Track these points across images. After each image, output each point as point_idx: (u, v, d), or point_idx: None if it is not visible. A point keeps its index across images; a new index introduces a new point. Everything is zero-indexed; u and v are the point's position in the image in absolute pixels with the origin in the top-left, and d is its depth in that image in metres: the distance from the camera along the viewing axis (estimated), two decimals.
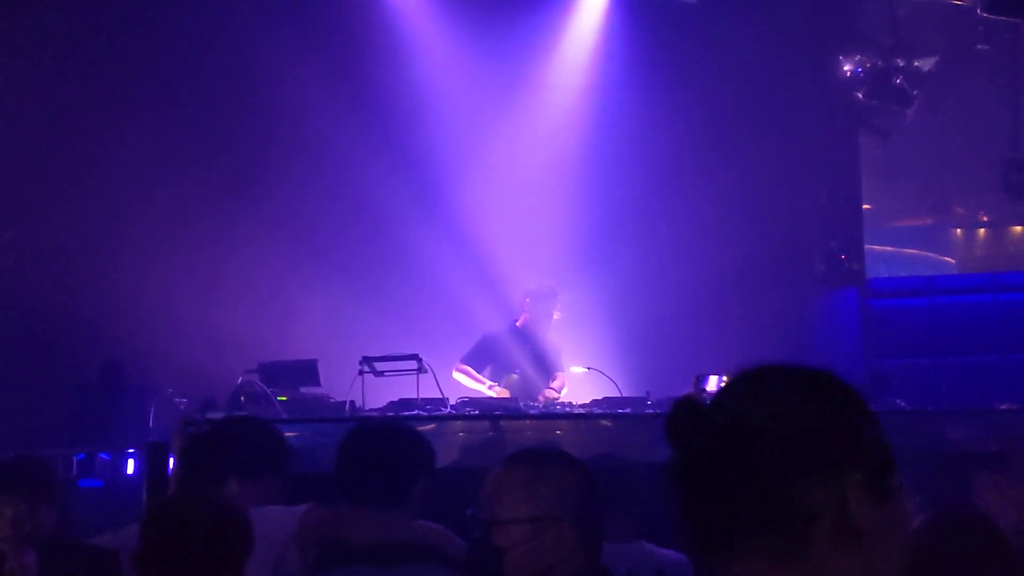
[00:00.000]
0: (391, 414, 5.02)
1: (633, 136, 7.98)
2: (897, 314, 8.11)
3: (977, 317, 7.89)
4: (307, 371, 5.46)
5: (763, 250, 7.99)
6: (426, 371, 5.29)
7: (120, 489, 5.04)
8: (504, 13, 7.96)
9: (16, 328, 6.72)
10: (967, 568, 2.10)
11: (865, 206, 8.93)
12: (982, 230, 10.97)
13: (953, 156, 9.82)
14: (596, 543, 2.03)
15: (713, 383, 4.37)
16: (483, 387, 5.97)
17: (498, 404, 5.53)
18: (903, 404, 5.75)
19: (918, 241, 11.03)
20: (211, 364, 6.15)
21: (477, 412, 5.20)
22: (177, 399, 5.62)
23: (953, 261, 10.92)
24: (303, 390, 5.39)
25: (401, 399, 5.26)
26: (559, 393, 6.10)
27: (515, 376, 6.16)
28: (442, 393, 5.44)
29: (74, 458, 4.95)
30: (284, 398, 5.12)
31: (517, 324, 6.45)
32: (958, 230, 11.11)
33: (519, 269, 7.01)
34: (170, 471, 3.95)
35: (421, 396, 5.22)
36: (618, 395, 5.61)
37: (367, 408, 5.22)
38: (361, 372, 5.26)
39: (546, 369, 6.29)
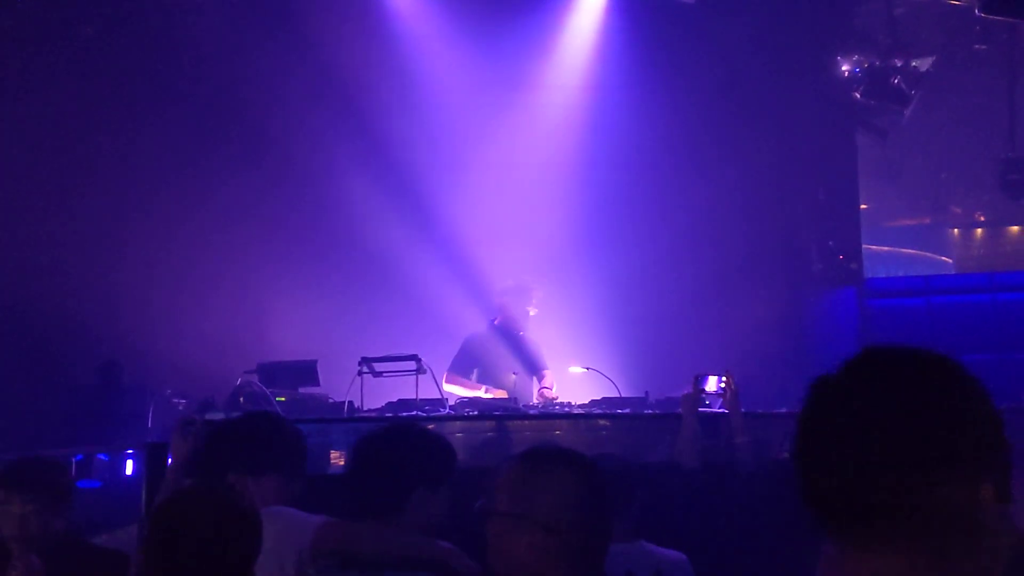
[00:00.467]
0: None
1: (631, 136, 7.98)
2: (895, 314, 8.10)
3: (975, 317, 7.89)
4: (306, 371, 5.46)
5: (761, 250, 8.00)
6: (425, 372, 5.29)
7: (119, 490, 5.04)
8: (502, 13, 7.95)
9: (15, 329, 6.72)
10: None
11: (862, 206, 8.94)
12: (979, 230, 10.99)
13: (950, 156, 9.84)
14: (590, 554, 2.00)
15: (712, 383, 4.37)
16: (479, 393, 5.97)
17: (497, 405, 5.53)
18: None
19: (915, 241, 11.05)
20: (210, 364, 6.15)
21: (476, 412, 5.20)
22: (176, 399, 5.63)
23: (951, 261, 10.93)
24: (302, 390, 5.39)
25: (400, 399, 5.27)
26: (553, 390, 6.11)
27: (514, 376, 6.17)
28: (441, 393, 5.44)
29: (73, 459, 4.94)
30: (283, 398, 5.12)
31: (495, 323, 6.46)
32: (955, 230, 11.13)
33: (518, 269, 7.01)
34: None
35: (420, 397, 5.22)
36: (617, 395, 5.61)
37: (366, 409, 5.22)
38: (360, 372, 5.26)
39: (531, 366, 6.30)
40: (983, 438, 1.15)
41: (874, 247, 9.74)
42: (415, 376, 5.25)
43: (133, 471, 5.12)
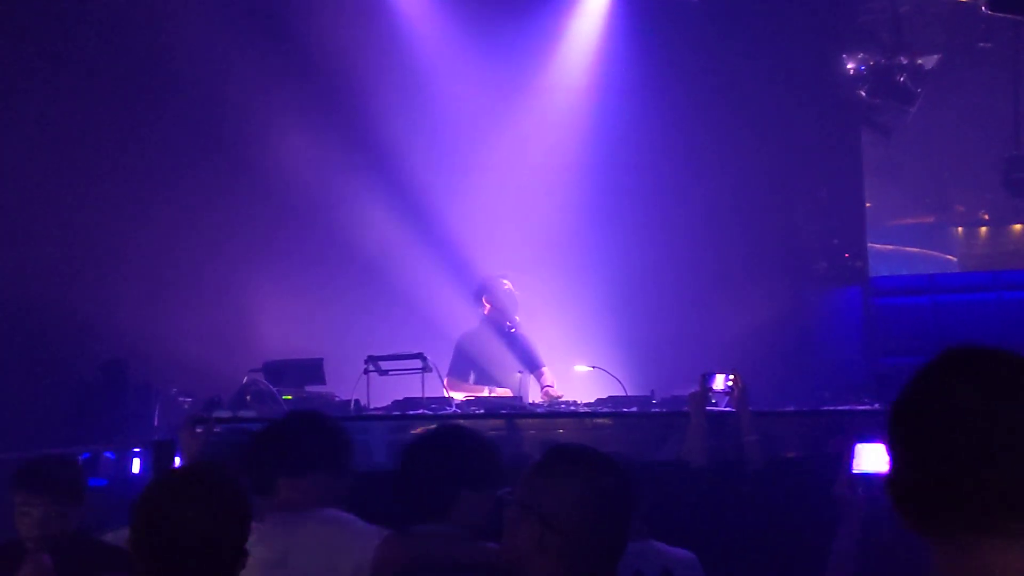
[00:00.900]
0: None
1: (634, 135, 7.98)
2: (900, 312, 8.10)
3: (980, 315, 7.88)
4: (312, 370, 5.46)
5: (766, 248, 8.01)
6: (431, 370, 5.29)
7: (125, 488, 5.05)
8: (504, 15, 7.96)
9: (21, 327, 6.72)
10: None
11: (866, 204, 8.92)
12: (983, 228, 10.97)
13: (954, 154, 9.82)
14: (591, 555, 2.01)
15: (720, 381, 4.37)
16: (484, 394, 5.97)
17: (504, 403, 5.53)
18: None
19: (919, 239, 11.01)
20: (216, 363, 6.15)
21: (482, 411, 5.21)
22: (181, 398, 5.63)
23: (955, 259, 10.91)
24: (308, 389, 5.39)
25: (406, 398, 5.27)
26: (554, 387, 6.12)
27: (519, 375, 6.18)
28: (446, 388, 5.44)
29: (80, 457, 4.94)
30: (289, 396, 5.12)
31: (483, 321, 6.46)
32: (959, 228, 11.10)
33: (523, 269, 7.02)
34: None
35: (426, 395, 5.23)
36: (623, 394, 5.61)
37: (372, 407, 5.22)
38: (366, 371, 5.26)
39: (526, 363, 6.29)
40: None
41: (877, 245, 9.72)
42: (421, 374, 5.26)
43: (140, 469, 5.12)
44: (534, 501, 2.02)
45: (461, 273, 7.28)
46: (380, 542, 2.58)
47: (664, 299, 7.76)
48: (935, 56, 8.11)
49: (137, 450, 5.15)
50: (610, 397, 5.50)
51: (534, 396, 6.09)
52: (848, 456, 3.18)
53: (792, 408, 5.14)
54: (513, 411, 5.18)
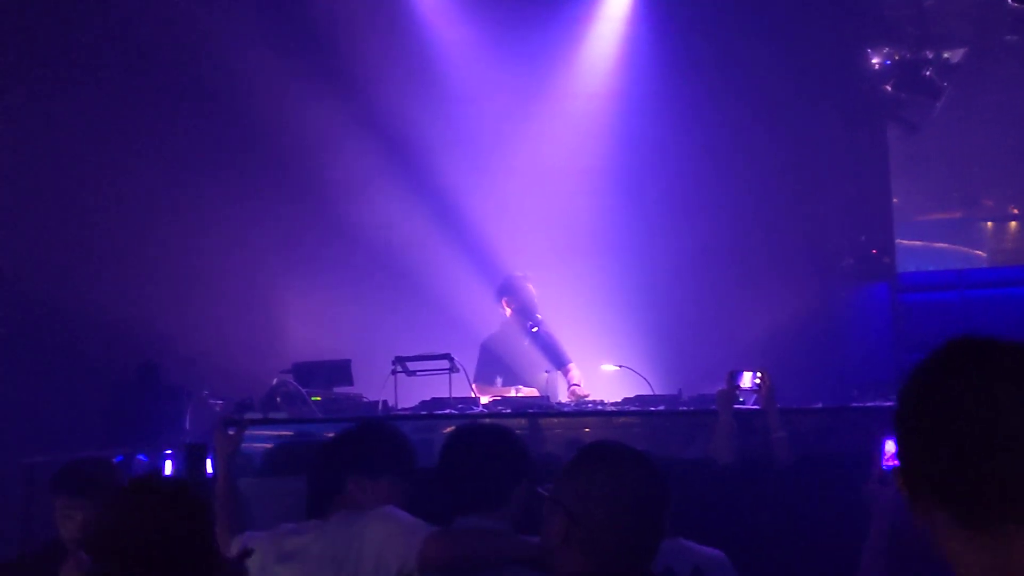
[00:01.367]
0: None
1: (659, 134, 7.97)
2: (928, 308, 8.03)
3: (1010, 310, 7.80)
4: (341, 371, 5.49)
5: (793, 245, 7.98)
6: (458, 370, 5.31)
7: None
8: (527, 16, 7.98)
9: (53, 331, 6.81)
10: None
11: (893, 200, 8.86)
12: (1013, 223, 10.85)
13: (982, 148, 9.72)
14: (612, 551, 2.03)
15: (747, 379, 4.37)
16: (511, 394, 5.99)
17: (530, 403, 5.55)
18: None
19: (947, 235, 10.91)
20: (245, 365, 6.22)
21: (509, 411, 5.23)
22: (212, 400, 5.67)
23: (983, 254, 10.81)
24: (337, 390, 5.42)
25: (433, 398, 5.30)
26: (581, 386, 6.13)
27: (545, 375, 6.19)
28: (474, 392, 5.45)
29: (113, 460, 5.00)
30: (318, 398, 5.16)
31: (505, 323, 6.47)
32: (988, 223, 10.99)
33: (548, 269, 7.03)
34: (209, 472, 4.00)
35: (453, 395, 5.25)
36: (650, 393, 5.61)
37: (400, 408, 5.25)
38: (394, 372, 5.29)
39: (553, 361, 6.31)
40: None
41: (905, 241, 9.65)
42: (448, 375, 5.28)
43: (172, 471, 5.17)
44: (563, 496, 2.06)
45: (487, 273, 7.31)
46: (424, 537, 2.62)
47: (690, 297, 7.75)
48: (961, 50, 8.04)
49: (169, 452, 5.20)
50: (637, 396, 5.50)
51: (563, 395, 6.10)
52: (878, 453, 3.17)
53: (820, 405, 5.12)
54: (540, 411, 5.20)
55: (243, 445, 3.64)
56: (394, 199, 7.79)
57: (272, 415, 4.87)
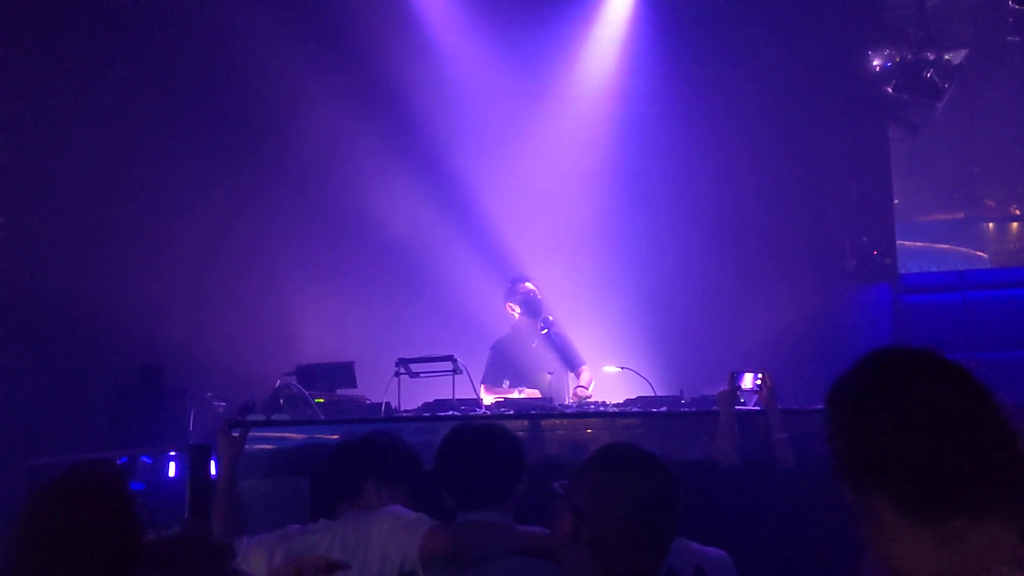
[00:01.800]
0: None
1: (661, 135, 7.98)
2: (930, 309, 8.04)
3: (1011, 312, 7.81)
4: (344, 373, 5.50)
5: (794, 246, 7.99)
6: (461, 372, 5.31)
7: (162, 491, 5.10)
8: (530, 17, 7.99)
9: (58, 333, 6.83)
10: None
11: (894, 201, 8.87)
12: (1014, 224, 10.86)
13: (983, 149, 9.74)
14: (612, 551, 2.04)
15: (748, 380, 4.38)
16: (512, 394, 6.01)
17: (532, 404, 5.56)
18: None
19: (949, 236, 10.93)
20: (249, 367, 6.23)
21: (511, 412, 5.23)
22: (216, 402, 5.68)
23: (985, 255, 10.82)
24: (340, 392, 5.43)
25: (436, 400, 5.31)
26: (588, 389, 6.13)
27: (549, 376, 6.21)
28: (477, 393, 5.46)
29: (117, 462, 5.01)
30: (321, 400, 5.17)
31: (514, 326, 6.49)
32: (990, 224, 11.00)
33: (552, 271, 7.05)
34: (213, 473, 4.01)
35: (456, 397, 5.26)
36: (652, 394, 5.61)
37: (403, 409, 5.26)
38: (397, 373, 5.29)
39: (565, 362, 6.33)
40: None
41: (907, 242, 9.66)
42: (451, 376, 5.29)
43: (176, 473, 5.18)
44: (574, 495, 2.08)
45: (491, 276, 7.32)
46: (425, 532, 2.64)
47: (692, 298, 7.76)
48: (962, 51, 8.05)
49: (173, 454, 5.21)
50: (639, 397, 5.50)
51: (568, 397, 6.11)
52: None
53: (821, 406, 5.11)
54: (541, 412, 5.20)
55: (246, 446, 3.65)
56: (400, 201, 7.81)
57: (275, 417, 4.88)
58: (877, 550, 1.26)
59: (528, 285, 6.53)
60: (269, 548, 2.77)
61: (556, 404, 5.56)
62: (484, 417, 4.99)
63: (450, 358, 5.30)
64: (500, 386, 6.20)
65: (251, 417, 4.55)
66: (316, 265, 7.76)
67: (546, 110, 8.17)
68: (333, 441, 4.43)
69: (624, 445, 2.27)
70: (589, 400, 5.83)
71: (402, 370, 5.30)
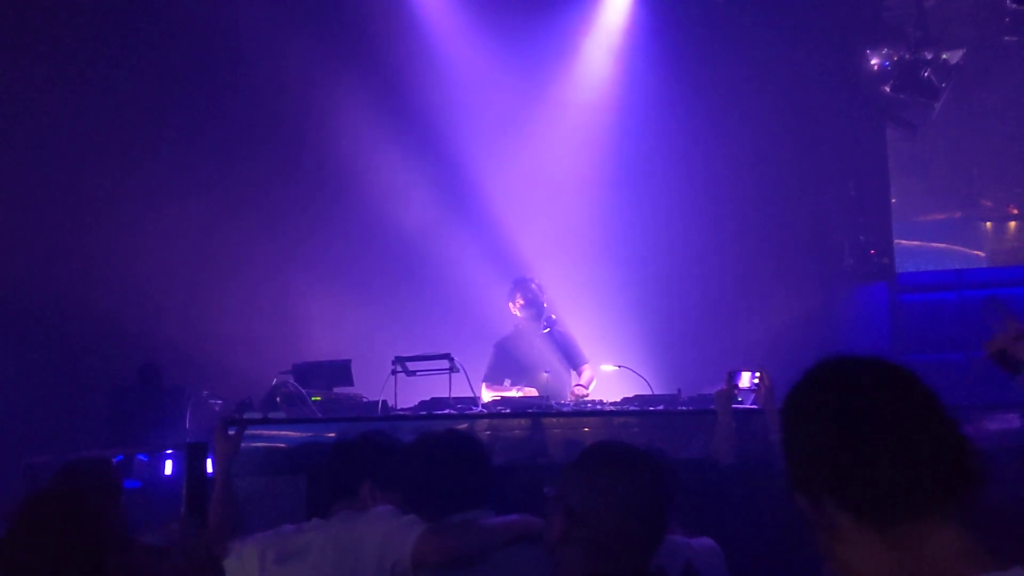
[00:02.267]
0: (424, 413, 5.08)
1: (660, 133, 7.98)
2: (927, 308, 8.04)
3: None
4: (340, 371, 5.50)
5: (792, 245, 7.99)
6: (458, 370, 5.30)
7: (158, 489, 5.11)
8: (531, 15, 7.99)
9: (54, 332, 6.82)
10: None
11: (892, 200, 8.87)
12: (1012, 223, 10.86)
13: (981, 149, 9.73)
14: (609, 550, 2.04)
15: (746, 379, 4.37)
16: (510, 392, 6.01)
17: (529, 403, 5.55)
18: None
19: (946, 235, 10.92)
20: (245, 365, 6.23)
21: (508, 411, 5.23)
22: (212, 400, 5.68)
23: (983, 255, 10.82)
24: (337, 390, 5.43)
25: (433, 398, 5.30)
26: (588, 388, 6.12)
27: (545, 375, 6.20)
28: (474, 392, 5.47)
29: (113, 460, 5.01)
30: (318, 398, 5.17)
31: (517, 324, 6.49)
32: (987, 223, 11.00)
33: (550, 270, 7.04)
34: (210, 471, 4.01)
35: (453, 395, 5.26)
36: (649, 393, 5.61)
37: (399, 407, 5.25)
38: (394, 372, 5.29)
39: (567, 361, 6.33)
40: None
41: (904, 241, 9.66)
42: (448, 375, 5.28)
43: (172, 471, 5.18)
44: (565, 494, 2.08)
45: (491, 275, 7.32)
46: (416, 536, 2.63)
47: (690, 297, 7.76)
48: (960, 50, 8.06)
49: (169, 452, 5.21)
50: (636, 396, 5.50)
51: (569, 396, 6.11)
52: None
53: None
54: (538, 411, 5.20)
55: (242, 444, 3.64)
56: (401, 200, 7.80)
57: (272, 415, 4.88)
58: (833, 557, 1.29)
59: (531, 284, 6.53)
60: (262, 547, 2.77)
61: (553, 403, 5.55)
62: (481, 417, 4.98)
63: (447, 356, 5.29)
64: (501, 384, 6.20)
65: (248, 415, 4.56)
66: (315, 264, 7.75)
67: (547, 110, 8.17)
68: (330, 439, 4.41)
69: (613, 443, 2.27)
70: (586, 399, 5.82)
71: (398, 368, 5.29)
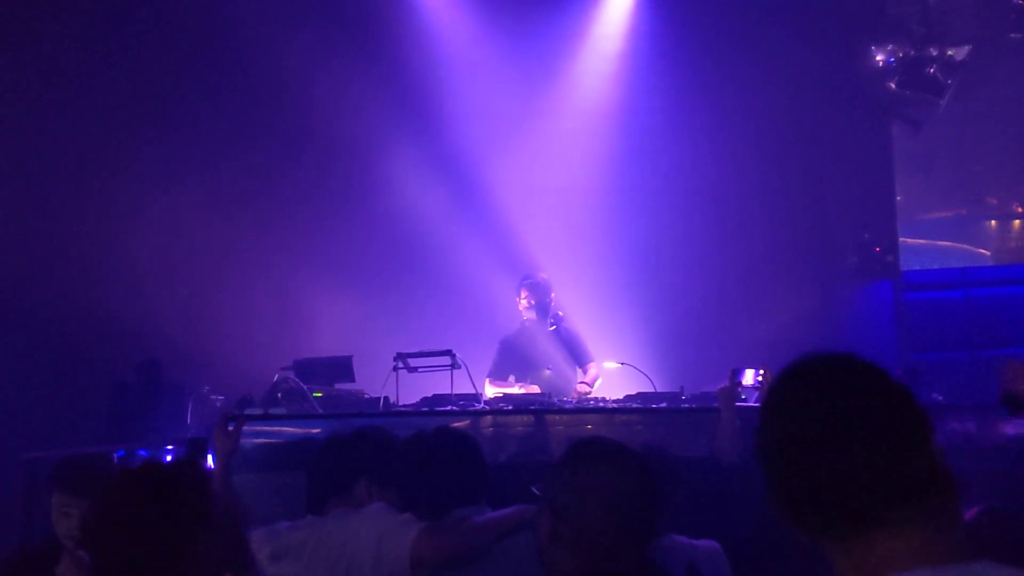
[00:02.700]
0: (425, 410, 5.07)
1: (663, 132, 7.96)
2: (932, 306, 8.02)
3: (1013, 309, 7.78)
4: (342, 367, 5.49)
5: (796, 243, 7.97)
6: (460, 367, 5.29)
7: None
8: (535, 10, 7.97)
9: (55, 328, 6.82)
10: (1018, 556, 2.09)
11: (896, 198, 8.85)
12: (1017, 221, 10.83)
13: (986, 146, 9.70)
14: (600, 549, 2.01)
15: (749, 376, 4.35)
16: (514, 390, 5.99)
17: (531, 400, 5.54)
18: (939, 398, 5.68)
19: (951, 233, 10.89)
20: (247, 361, 6.21)
21: (510, 407, 5.21)
22: (213, 396, 5.67)
23: (988, 253, 10.79)
24: (338, 386, 5.42)
25: (435, 395, 5.29)
26: (591, 387, 6.10)
27: (548, 372, 6.18)
28: (475, 388, 5.45)
29: (114, 456, 5.00)
30: (320, 394, 5.16)
31: (523, 321, 6.48)
32: (992, 221, 10.97)
33: (553, 267, 7.02)
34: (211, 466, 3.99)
35: (455, 392, 5.24)
36: (652, 390, 5.59)
37: (401, 404, 5.24)
38: (395, 368, 5.28)
39: (573, 359, 6.31)
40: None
41: (909, 239, 9.63)
42: (450, 371, 5.26)
43: None
44: (551, 494, 2.05)
45: (495, 272, 7.30)
46: (414, 536, 2.62)
47: (694, 294, 7.74)
48: (966, 47, 8.02)
49: (170, 448, 5.19)
50: (639, 393, 5.49)
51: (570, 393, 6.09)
52: None
53: None
54: (541, 408, 5.18)
55: (243, 440, 3.62)
56: (404, 196, 7.78)
57: (273, 411, 4.86)
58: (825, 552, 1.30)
59: (539, 281, 6.51)
60: (256, 544, 2.76)
61: (556, 400, 5.54)
62: (484, 413, 4.97)
63: (448, 353, 5.27)
64: (505, 381, 6.19)
65: (249, 411, 4.54)
66: (317, 259, 7.74)
67: (551, 109, 8.15)
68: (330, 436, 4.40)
69: (597, 440, 2.24)
70: (589, 396, 5.80)
71: (400, 365, 5.28)
